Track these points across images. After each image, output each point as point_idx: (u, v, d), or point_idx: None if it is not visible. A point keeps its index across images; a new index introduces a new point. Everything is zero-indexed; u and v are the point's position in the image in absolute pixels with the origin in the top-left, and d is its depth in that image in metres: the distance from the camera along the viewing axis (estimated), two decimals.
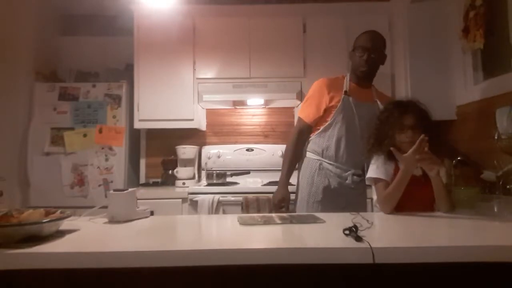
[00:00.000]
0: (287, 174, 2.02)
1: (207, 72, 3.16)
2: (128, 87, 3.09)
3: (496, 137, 1.90)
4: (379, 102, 2.01)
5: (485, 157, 2.25)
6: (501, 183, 1.56)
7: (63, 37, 3.52)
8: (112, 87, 3.03)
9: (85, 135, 2.97)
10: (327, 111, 1.99)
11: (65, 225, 1.21)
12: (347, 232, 1.10)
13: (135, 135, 3.31)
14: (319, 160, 2.00)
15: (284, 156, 2.09)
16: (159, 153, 3.41)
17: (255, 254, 1.00)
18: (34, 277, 1.01)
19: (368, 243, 1.00)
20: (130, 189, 1.46)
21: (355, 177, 1.98)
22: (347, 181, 1.96)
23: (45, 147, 2.95)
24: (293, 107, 3.43)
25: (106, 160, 2.97)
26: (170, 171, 3.23)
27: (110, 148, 2.98)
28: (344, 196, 1.95)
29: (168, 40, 3.15)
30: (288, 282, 1.05)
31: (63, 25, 3.56)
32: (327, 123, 1.98)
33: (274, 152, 3.29)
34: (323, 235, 1.18)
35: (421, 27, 2.89)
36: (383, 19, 3.17)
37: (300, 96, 3.15)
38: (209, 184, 3.02)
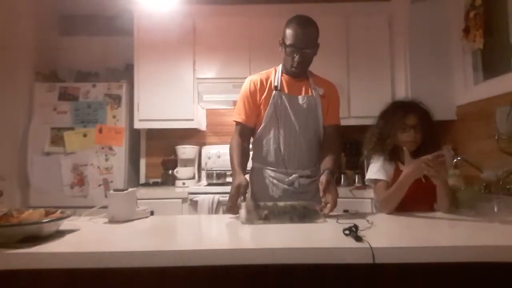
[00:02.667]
0: (238, 164, 1.67)
1: (207, 72, 3.17)
2: (128, 87, 3.10)
3: (496, 137, 1.90)
4: (318, 89, 1.80)
5: (485, 157, 2.25)
6: (501, 183, 1.56)
7: (63, 37, 3.52)
8: (112, 87, 3.04)
9: (85, 135, 2.97)
10: (260, 112, 1.77)
11: (65, 225, 1.21)
12: (347, 232, 1.10)
13: (135, 135, 3.31)
14: (263, 167, 1.78)
15: (230, 156, 1.76)
16: (159, 153, 3.42)
17: (255, 254, 1.00)
18: (34, 277, 1.01)
19: (368, 243, 1.00)
20: (130, 189, 1.46)
21: (302, 179, 1.74)
22: (294, 185, 1.72)
23: (45, 147, 2.95)
24: None
25: (106, 160, 2.97)
26: (170, 171, 3.24)
27: (110, 148, 2.98)
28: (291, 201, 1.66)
29: (168, 40, 3.15)
30: (288, 282, 1.05)
31: (63, 25, 3.56)
32: (261, 127, 1.77)
33: None
34: (323, 235, 1.18)
35: (421, 27, 2.90)
36: (383, 19, 3.17)
37: None
38: (209, 184, 3.02)
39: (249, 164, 1.84)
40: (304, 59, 1.75)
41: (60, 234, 1.16)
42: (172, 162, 3.28)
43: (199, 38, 3.18)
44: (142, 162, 3.47)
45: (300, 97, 1.78)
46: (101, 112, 3.00)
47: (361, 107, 3.07)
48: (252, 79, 1.81)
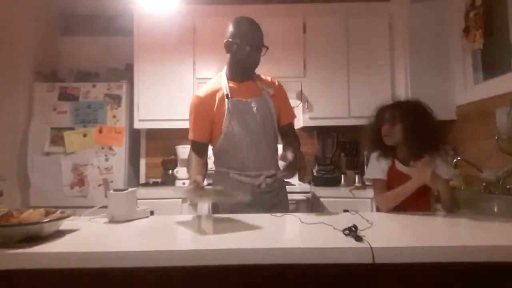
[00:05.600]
0: (194, 170, 1.71)
1: (207, 72, 3.16)
2: (128, 87, 3.10)
3: (496, 137, 1.90)
4: (266, 90, 1.81)
5: (485, 157, 2.25)
6: (501, 183, 1.56)
7: (63, 37, 3.53)
8: (112, 87, 3.04)
9: (85, 135, 2.97)
10: (216, 123, 1.75)
11: (65, 225, 1.21)
12: (347, 232, 1.10)
13: (135, 135, 3.31)
14: (228, 171, 1.77)
15: (187, 168, 1.82)
16: (159, 153, 3.42)
17: (255, 254, 1.00)
18: (34, 277, 1.01)
19: (368, 243, 1.00)
20: (130, 189, 1.46)
21: (268, 179, 1.76)
22: (261, 186, 1.74)
23: (45, 147, 2.95)
24: (293, 107, 3.43)
25: (106, 160, 2.97)
26: (170, 171, 3.24)
27: (110, 148, 2.98)
28: (261, 205, 1.71)
29: (168, 40, 3.15)
30: (288, 282, 1.05)
31: (63, 25, 3.57)
32: (221, 136, 1.74)
33: None
34: (323, 235, 1.18)
35: (421, 27, 2.90)
36: (383, 19, 3.17)
37: (300, 96, 3.16)
38: (209, 184, 3.01)
39: (211, 166, 1.86)
40: (259, 58, 1.77)
41: (60, 234, 1.16)
42: (172, 162, 3.28)
43: (199, 38, 3.18)
44: (142, 162, 3.47)
45: (253, 101, 1.76)
46: (101, 112, 3.00)
47: (361, 107, 3.07)
48: (199, 95, 1.78)
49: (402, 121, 1.63)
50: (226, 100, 1.73)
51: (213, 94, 1.76)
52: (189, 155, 1.80)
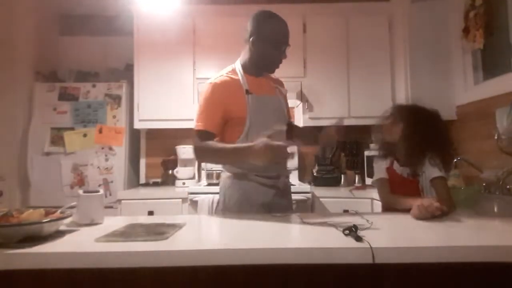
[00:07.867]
0: (232, 145, 1.56)
1: (207, 72, 3.16)
2: (128, 87, 3.10)
3: (496, 137, 1.90)
4: (279, 89, 1.76)
5: (485, 157, 2.25)
6: (501, 183, 1.56)
7: (63, 37, 3.53)
8: (112, 87, 3.04)
9: (85, 135, 2.97)
10: (233, 119, 1.63)
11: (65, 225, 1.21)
12: (347, 232, 1.10)
13: (135, 135, 3.32)
14: (247, 173, 1.65)
15: (211, 156, 1.68)
16: (159, 153, 3.42)
17: (255, 254, 1.00)
18: (34, 277, 1.01)
19: (368, 243, 1.00)
20: (99, 192, 1.40)
21: (286, 179, 1.76)
22: (281, 187, 1.69)
23: (45, 147, 2.95)
24: (293, 107, 3.44)
25: (106, 160, 2.97)
26: (170, 171, 3.24)
27: (110, 148, 2.98)
28: (276, 209, 1.61)
29: (168, 40, 3.15)
30: (288, 282, 1.05)
31: (63, 25, 3.57)
32: (242, 135, 1.61)
33: None
34: (323, 235, 1.18)
35: (421, 27, 2.90)
36: (383, 19, 3.17)
37: (300, 96, 3.16)
38: (209, 184, 3.02)
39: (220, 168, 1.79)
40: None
41: (60, 234, 1.16)
42: (172, 162, 3.28)
43: (199, 38, 3.18)
44: (142, 162, 3.47)
45: (269, 97, 1.70)
46: (101, 112, 3.00)
47: (361, 107, 3.07)
48: (215, 83, 1.65)
49: (401, 122, 1.64)
50: (246, 95, 1.62)
51: (230, 85, 1.65)
52: (201, 146, 1.61)
